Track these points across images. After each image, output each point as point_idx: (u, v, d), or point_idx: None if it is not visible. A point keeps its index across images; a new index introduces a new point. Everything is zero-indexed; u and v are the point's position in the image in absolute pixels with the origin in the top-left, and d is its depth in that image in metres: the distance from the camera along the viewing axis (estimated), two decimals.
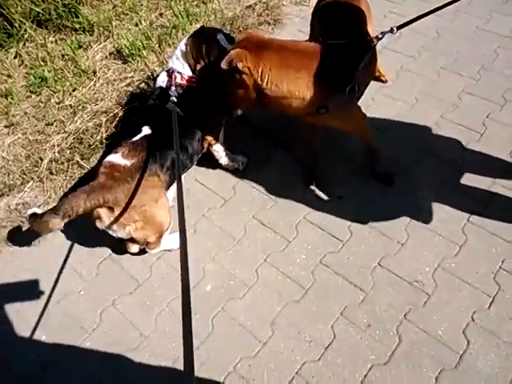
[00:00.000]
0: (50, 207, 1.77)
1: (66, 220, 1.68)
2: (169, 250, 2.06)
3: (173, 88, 1.91)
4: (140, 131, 1.85)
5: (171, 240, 2.02)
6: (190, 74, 1.97)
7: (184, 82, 1.95)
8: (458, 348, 1.67)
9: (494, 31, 2.94)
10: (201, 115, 2.01)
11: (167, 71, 2.02)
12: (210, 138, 2.12)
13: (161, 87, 1.99)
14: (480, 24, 2.99)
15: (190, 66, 1.97)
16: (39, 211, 1.71)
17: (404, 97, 2.58)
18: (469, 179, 2.19)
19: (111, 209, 1.70)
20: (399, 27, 1.69)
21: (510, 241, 1.95)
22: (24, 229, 2.24)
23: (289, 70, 1.69)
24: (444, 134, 2.39)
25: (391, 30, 1.69)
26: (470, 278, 1.86)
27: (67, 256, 2.11)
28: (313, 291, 1.89)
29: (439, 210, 2.09)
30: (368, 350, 1.70)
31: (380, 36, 1.72)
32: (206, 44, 1.95)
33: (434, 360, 1.66)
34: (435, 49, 2.87)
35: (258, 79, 1.69)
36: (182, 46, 2.01)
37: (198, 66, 1.97)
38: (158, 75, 2.16)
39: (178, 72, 1.96)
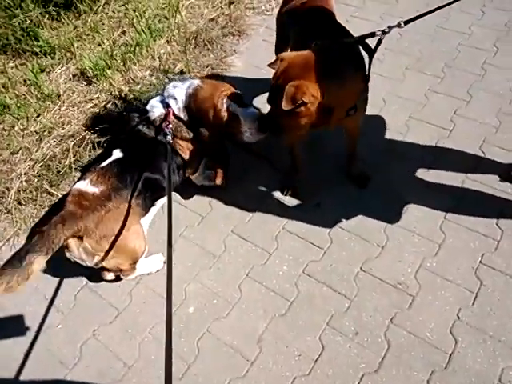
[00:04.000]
0: (23, 246, 1.61)
1: (50, 256, 1.52)
2: (147, 274, 2.00)
3: (170, 126, 1.83)
4: (110, 155, 1.79)
5: (148, 264, 1.96)
6: (185, 119, 1.90)
7: (176, 120, 1.89)
8: (446, 348, 1.67)
9: (453, 29, 3.01)
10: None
11: (163, 103, 1.91)
12: (189, 171, 2.09)
13: (150, 118, 1.89)
14: (439, 22, 3.05)
15: (189, 116, 1.90)
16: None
17: (372, 99, 2.54)
18: (442, 176, 2.21)
19: (80, 238, 1.63)
20: (406, 22, 1.68)
21: (486, 234, 1.98)
22: None
23: (339, 76, 1.66)
24: (414, 133, 2.42)
25: (398, 25, 1.68)
26: (452, 275, 1.87)
27: (55, 293, 2.01)
28: (298, 303, 1.86)
29: (416, 209, 2.10)
30: (358, 359, 1.68)
31: (387, 30, 1.70)
32: (214, 112, 1.85)
33: (424, 362, 1.65)
34: (399, 50, 2.91)
35: (325, 100, 1.62)
36: (183, 93, 1.88)
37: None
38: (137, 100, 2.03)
39: (173, 113, 1.88)
